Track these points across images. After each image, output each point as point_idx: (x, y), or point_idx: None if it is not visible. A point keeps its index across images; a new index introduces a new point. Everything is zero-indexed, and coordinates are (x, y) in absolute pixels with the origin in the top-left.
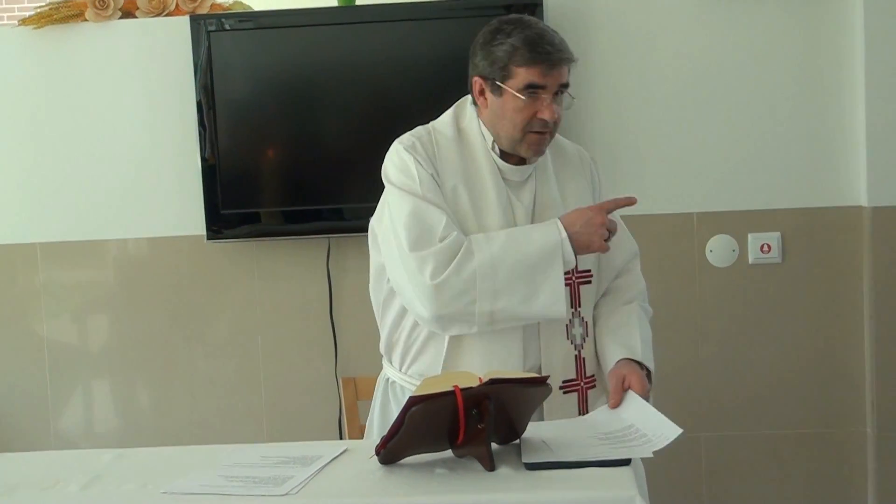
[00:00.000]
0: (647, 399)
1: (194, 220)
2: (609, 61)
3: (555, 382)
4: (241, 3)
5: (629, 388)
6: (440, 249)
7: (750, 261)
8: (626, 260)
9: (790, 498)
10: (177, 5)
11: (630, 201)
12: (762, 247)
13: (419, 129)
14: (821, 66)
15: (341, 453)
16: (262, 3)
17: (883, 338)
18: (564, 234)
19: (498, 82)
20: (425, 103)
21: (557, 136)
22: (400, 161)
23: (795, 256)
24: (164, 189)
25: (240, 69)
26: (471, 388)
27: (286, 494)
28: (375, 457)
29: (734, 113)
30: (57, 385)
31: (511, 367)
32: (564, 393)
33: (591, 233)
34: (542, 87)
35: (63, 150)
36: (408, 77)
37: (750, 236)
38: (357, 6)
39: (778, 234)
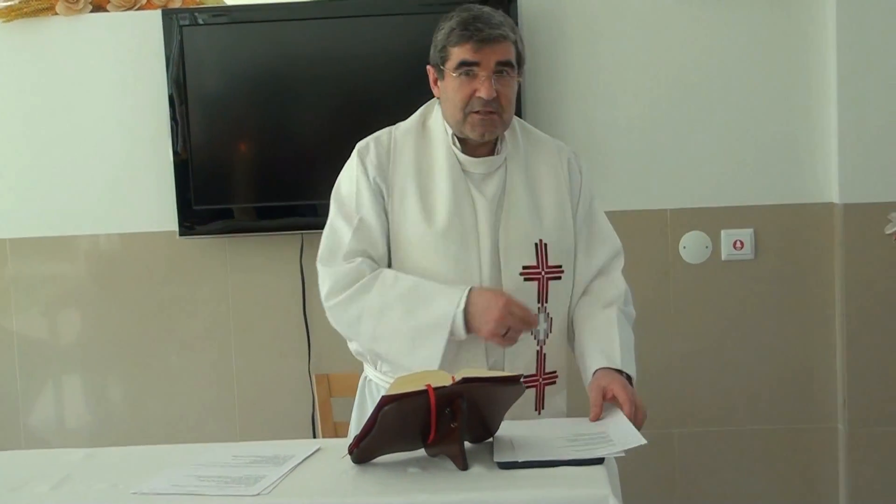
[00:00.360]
0: (635, 404)
1: (167, 216)
2: (582, 58)
3: None
4: None
5: (611, 399)
6: (341, 273)
7: (723, 257)
8: (608, 258)
9: (762, 494)
10: (148, 0)
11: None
12: (735, 243)
13: (383, 130)
14: (793, 63)
15: (314, 452)
16: None
17: (854, 334)
18: (461, 309)
19: (440, 66)
20: (399, 99)
21: (535, 130)
22: (348, 167)
23: (768, 253)
24: (136, 184)
25: (213, 64)
26: (443, 387)
27: (258, 494)
28: (348, 456)
29: (707, 110)
30: (27, 381)
31: (474, 362)
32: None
33: (485, 321)
34: (476, 64)
35: (33, 145)
36: (382, 73)
37: (723, 233)
38: (331, 1)
39: (751, 230)
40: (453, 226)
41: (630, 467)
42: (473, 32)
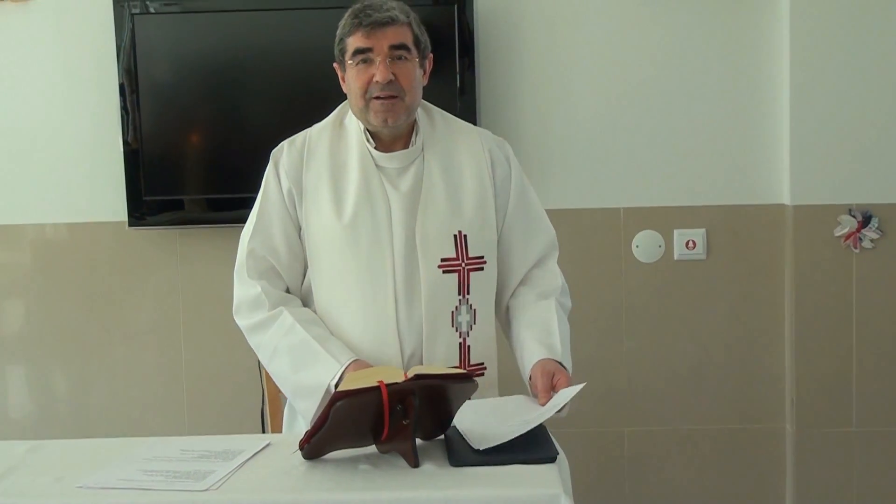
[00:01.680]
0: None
1: (116, 206)
2: (538, 56)
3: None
4: None
5: (556, 386)
6: (243, 296)
7: (675, 257)
8: (545, 249)
9: (710, 493)
10: None
11: None
12: (687, 243)
13: (302, 132)
14: (746, 64)
15: (264, 447)
16: None
17: (803, 335)
18: (334, 382)
19: (341, 59)
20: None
21: (456, 119)
22: (267, 171)
23: (719, 253)
24: (86, 174)
25: (164, 53)
26: (396, 383)
27: (207, 490)
28: (299, 451)
29: (661, 109)
30: None
31: (388, 354)
32: None
33: None
34: (370, 51)
35: None
36: (332, 64)
37: (676, 232)
38: None
39: (703, 230)
40: (363, 220)
41: (580, 464)
42: (363, 19)
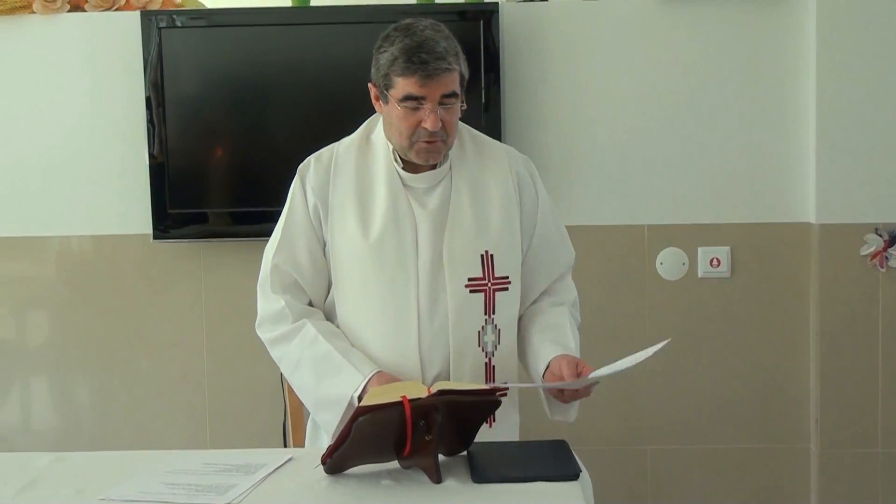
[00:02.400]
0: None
1: (141, 219)
2: (562, 73)
3: None
4: None
5: (581, 374)
6: (267, 311)
7: (699, 274)
8: (564, 269)
9: None
10: (127, 0)
11: None
12: (711, 261)
13: (326, 147)
14: (772, 81)
15: (286, 462)
16: (214, 0)
17: (828, 355)
18: (357, 394)
19: (384, 91)
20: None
21: (483, 137)
22: (292, 186)
23: (744, 271)
24: (111, 187)
25: (191, 67)
26: (419, 399)
27: (229, 503)
28: (321, 466)
29: (685, 126)
30: None
31: (410, 374)
32: None
33: None
34: (422, 98)
35: (8, 144)
36: (359, 79)
37: (700, 250)
38: (311, 7)
39: (727, 248)
40: (388, 238)
41: (604, 484)
42: (419, 66)
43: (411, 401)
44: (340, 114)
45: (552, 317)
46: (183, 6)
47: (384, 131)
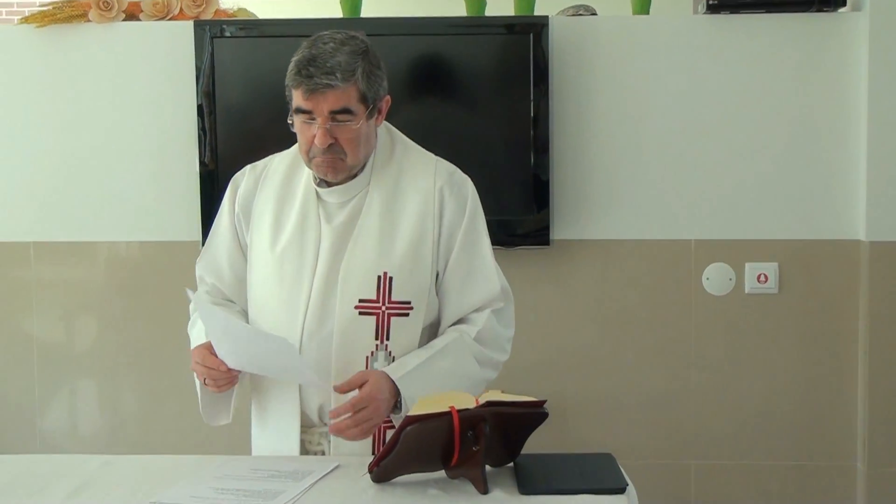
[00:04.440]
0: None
1: (190, 226)
2: (610, 86)
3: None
4: (246, 10)
5: (362, 385)
6: (191, 309)
7: (746, 290)
8: (480, 302)
9: None
10: (181, 10)
11: None
12: (759, 277)
13: (268, 157)
14: (822, 96)
15: (333, 469)
16: (265, 11)
17: (877, 373)
18: None
19: (289, 100)
20: (423, 117)
21: (417, 149)
22: (226, 193)
23: (792, 288)
24: (162, 193)
25: (241, 76)
26: (467, 409)
27: None
28: (368, 474)
29: (735, 141)
30: (44, 385)
31: (289, 409)
32: None
33: (195, 369)
34: (310, 112)
35: (61, 150)
36: (407, 91)
37: (747, 266)
38: (361, 18)
39: (775, 264)
40: (292, 250)
41: (647, 497)
42: (303, 80)
43: (459, 411)
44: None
45: (435, 339)
46: (235, 16)
47: None
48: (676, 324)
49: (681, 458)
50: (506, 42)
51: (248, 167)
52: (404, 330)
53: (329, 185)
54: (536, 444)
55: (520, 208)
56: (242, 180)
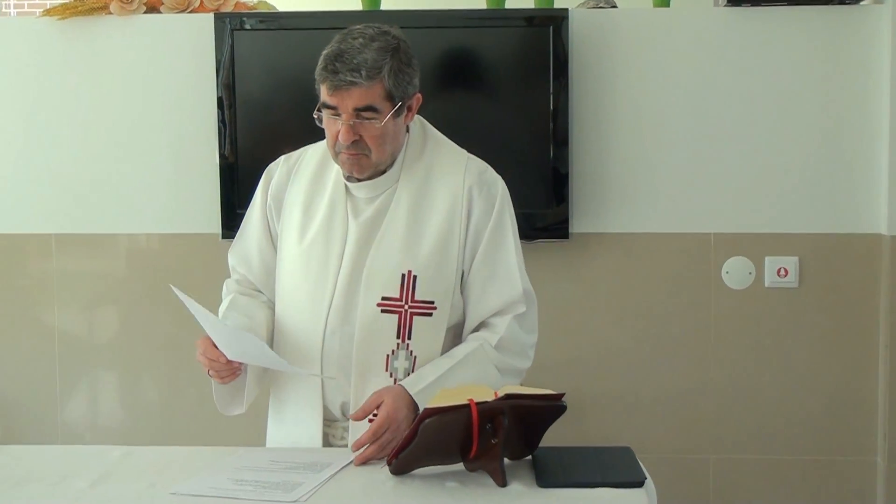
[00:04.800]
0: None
1: (209, 218)
2: (631, 79)
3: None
4: (266, 2)
5: (379, 406)
6: (227, 283)
7: (766, 284)
8: (501, 305)
9: None
10: (201, 3)
11: None
12: (779, 270)
13: (304, 147)
14: (844, 89)
15: (352, 461)
16: (286, 3)
17: None
18: None
19: (319, 93)
20: (443, 110)
21: (448, 145)
22: (260, 183)
23: (812, 282)
24: (181, 186)
25: (262, 69)
26: (486, 402)
27: (296, 501)
28: (387, 466)
29: (755, 134)
30: (65, 376)
31: (311, 402)
32: None
33: (199, 360)
34: (335, 108)
35: (82, 142)
36: (426, 84)
37: (767, 259)
38: (381, 11)
39: (795, 258)
40: (316, 248)
41: (666, 491)
42: (329, 75)
43: (478, 404)
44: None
45: (456, 349)
46: (255, 9)
47: None
48: (695, 317)
49: (699, 453)
50: (526, 35)
51: (282, 157)
52: (427, 330)
53: (359, 179)
54: (555, 437)
55: (539, 201)
56: (276, 170)
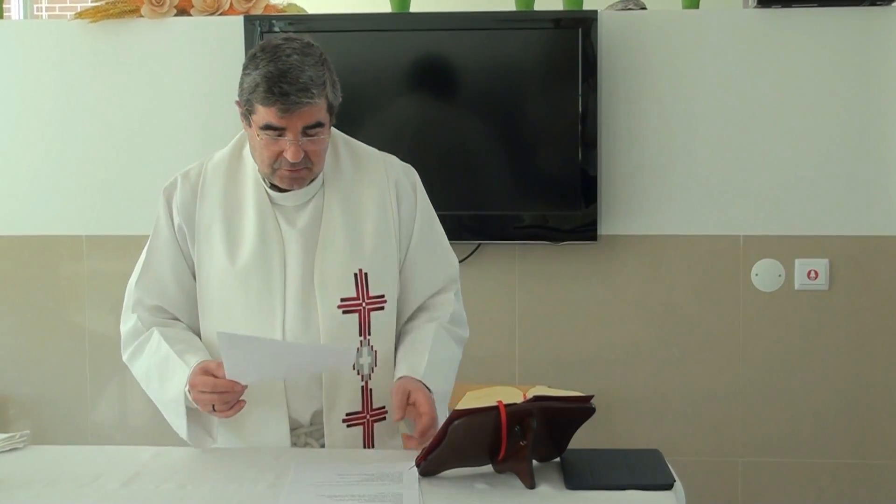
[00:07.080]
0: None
1: None
2: (660, 82)
3: (337, 416)
4: (295, 5)
5: (415, 403)
6: (124, 333)
7: (796, 286)
8: (442, 283)
9: None
10: (231, 5)
11: None
12: (809, 273)
13: (195, 163)
14: (874, 90)
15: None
16: (315, 6)
17: None
18: (187, 388)
19: (247, 113)
20: (474, 113)
21: (362, 147)
22: (158, 208)
23: (843, 285)
24: None
25: None
26: (515, 404)
27: None
28: (415, 468)
29: (785, 136)
30: (96, 376)
31: (277, 405)
32: (348, 426)
33: (199, 399)
34: (282, 129)
35: (114, 144)
36: (458, 87)
37: (797, 262)
38: (410, 13)
39: (826, 260)
40: (256, 262)
41: (694, 494)
42: (279, 98)
43: (507, 406)
44: (437, 119)
45: (419, 333)
46: (285, 11)
47: (251, 153)
48: (725, 320)
49: (728, 456)
50: (554, 37)
51: (178, 176)
52: (382, 323)
53: (283, 189)
54: (583, 439)
55: (567, 203)
56: (175, 191)
